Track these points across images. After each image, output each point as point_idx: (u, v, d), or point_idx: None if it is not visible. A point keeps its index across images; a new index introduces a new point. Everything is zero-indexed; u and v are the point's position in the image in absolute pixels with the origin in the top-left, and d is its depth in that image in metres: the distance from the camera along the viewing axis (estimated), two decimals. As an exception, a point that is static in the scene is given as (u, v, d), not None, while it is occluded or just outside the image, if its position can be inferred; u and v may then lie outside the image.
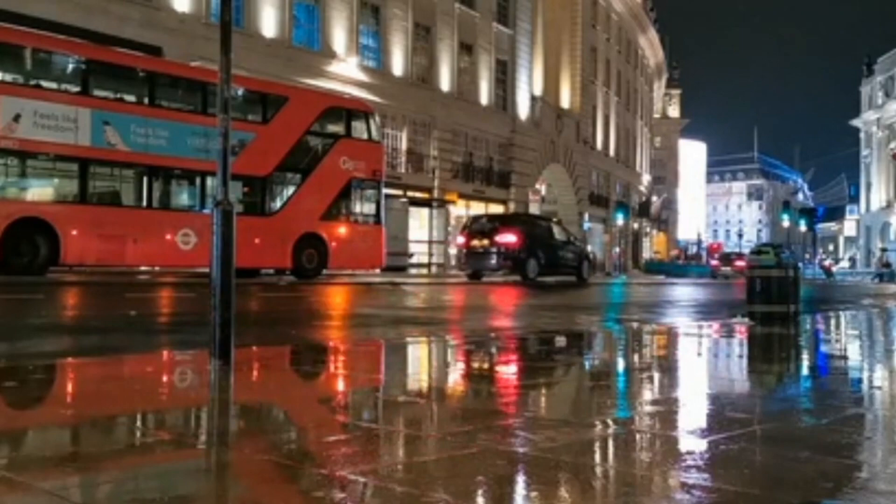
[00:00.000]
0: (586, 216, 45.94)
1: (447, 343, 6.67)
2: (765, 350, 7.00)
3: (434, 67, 33.91)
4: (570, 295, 17.36)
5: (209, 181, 16.17)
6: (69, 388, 4.30)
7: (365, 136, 19.97)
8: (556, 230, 23.79)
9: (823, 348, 7.17)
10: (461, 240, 23.01)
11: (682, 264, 55.96)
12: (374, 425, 3.32)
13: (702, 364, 5.89)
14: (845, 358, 6.34)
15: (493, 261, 21.27)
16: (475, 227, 22.48)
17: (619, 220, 48.73)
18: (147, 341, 6.30)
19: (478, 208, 37.58)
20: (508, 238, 21.12)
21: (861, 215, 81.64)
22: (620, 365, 5.66)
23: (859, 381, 4.99)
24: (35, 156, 14.73)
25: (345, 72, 28.58)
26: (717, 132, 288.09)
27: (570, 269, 23.22)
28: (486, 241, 21.27)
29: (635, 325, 9.26)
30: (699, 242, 77.28)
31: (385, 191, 20.85)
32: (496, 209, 38.30)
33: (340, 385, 4.59)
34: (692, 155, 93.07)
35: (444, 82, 34.33)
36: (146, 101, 16.46)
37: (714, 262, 53.04)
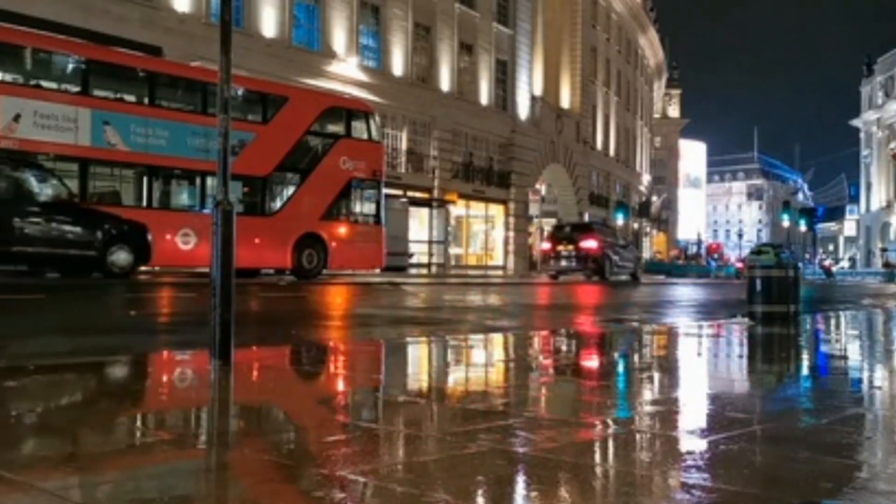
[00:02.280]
0: (586, 216, 45.92)
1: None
2: (765, 350, 7.00)
3: (434, 67, 33.90)
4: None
5: (209, 181, 16.18)
6: (68, 388, 4.29)
7: (365, 136, 19.96)
8: (619, 235, 27.78)
9: (823, 348, 7.17)
10: (546, 245, 26.63)
11: (682, 264, 56.08)
12: (373, 425, 3.32)
13: (702, 364, 5.89)
14: (845, 358, 6.34)
15: (576, 263, 24.69)
16: (560, 235, 26.23)
17: (619, 220, 48.71)
18: (147, 341, 6.29)
19: (478, 208, 37.64)
20: (590, 243, 24.60)
21: (861, 215, 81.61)
22: (622, 365, 5.66)
23: (859, 381, 4.99)
24: (35, 156, 14.73)
25: (345, 72, 28.59)
26: (717, 132, 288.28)
27: (629, 269, 26.68)
28: (570, 247, 24.83)
29: (635, 324, 9.27)
30: (699, 242, 77.33)
31: (385, 191, 20.86)
32: (496, 209, 38.36)
33: (340, 385, 4.59)
34: (692, 155, 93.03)
35: (444, 82, 34.32)
36: (146, 101, 16.48)
37: (739, 265, 53.68)
